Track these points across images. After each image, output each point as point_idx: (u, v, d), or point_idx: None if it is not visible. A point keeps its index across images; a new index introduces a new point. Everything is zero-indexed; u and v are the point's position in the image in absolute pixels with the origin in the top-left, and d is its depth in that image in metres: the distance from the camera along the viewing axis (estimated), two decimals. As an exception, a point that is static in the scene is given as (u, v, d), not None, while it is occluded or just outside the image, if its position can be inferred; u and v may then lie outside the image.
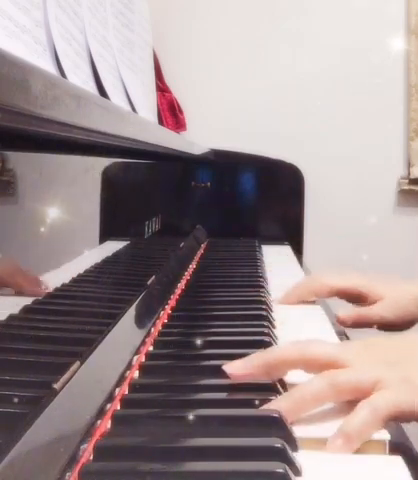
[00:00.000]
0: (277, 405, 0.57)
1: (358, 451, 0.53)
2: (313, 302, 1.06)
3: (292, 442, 0.52)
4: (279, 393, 0.61)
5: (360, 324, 1.00)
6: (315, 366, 0.62)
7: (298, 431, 0.54)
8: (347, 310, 1.02)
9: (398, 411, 0.56)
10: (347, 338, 0.92)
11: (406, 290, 1.03)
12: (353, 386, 0.59)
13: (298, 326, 0.92)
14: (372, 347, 0.66)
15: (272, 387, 0.62)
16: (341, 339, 0.87)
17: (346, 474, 0.49)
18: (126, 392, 0.62)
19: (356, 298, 1.04)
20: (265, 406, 0.58)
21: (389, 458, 0.52)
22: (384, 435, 0.55)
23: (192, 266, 1.36)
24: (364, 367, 0.61)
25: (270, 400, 0.58)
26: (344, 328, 0.98)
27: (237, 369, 0.62)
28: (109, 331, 0.73)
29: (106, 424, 0.55)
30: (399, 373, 0.60)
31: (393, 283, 1.06)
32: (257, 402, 0.58)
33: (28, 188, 0.59)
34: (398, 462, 0.50)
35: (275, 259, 1.59)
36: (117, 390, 0.63)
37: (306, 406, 0.58)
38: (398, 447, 0.54)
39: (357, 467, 0.50)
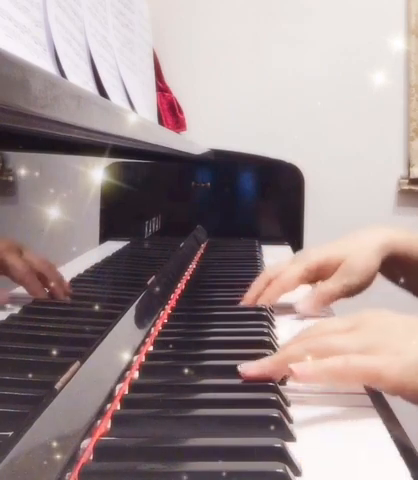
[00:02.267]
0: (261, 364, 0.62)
1: None
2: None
3: (291, 440, 0.52)
4: (277, 392, 0.61)
5: (326, 302, 0.97)
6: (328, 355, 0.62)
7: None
8: (304, 294, 0.98)
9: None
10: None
11: (365, 246, 0.98)
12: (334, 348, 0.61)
13: (298, 325, 0.92)
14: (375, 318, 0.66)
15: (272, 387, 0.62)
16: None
17: (347, 473, 0.49)
18: (126, 392, 0.62)
19: (320, 274, 1.00)
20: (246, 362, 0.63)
21: (390, 457, 0.52)
22: None
23: (192, 266, 1.36)
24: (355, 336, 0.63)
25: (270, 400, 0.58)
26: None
27: (251, 368, 0.63)
28: (109, 331, 0.73)
29: (106, 424, 0.55)
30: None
31: (349, 240, 1.01)
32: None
33: (28, 188, 0.59)
34: (399, 462, 0.50)
35: (275, 259, 1.58)
36: (117, 390, 0.63)
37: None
38: (401, 450, 0.53)
39: (358, 465, 0.50)
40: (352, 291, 0.98)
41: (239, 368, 0.64)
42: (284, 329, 0.88)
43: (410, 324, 0.65)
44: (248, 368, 0.63)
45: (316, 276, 1.00)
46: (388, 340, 0.62)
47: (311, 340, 0.65)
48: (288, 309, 1.02)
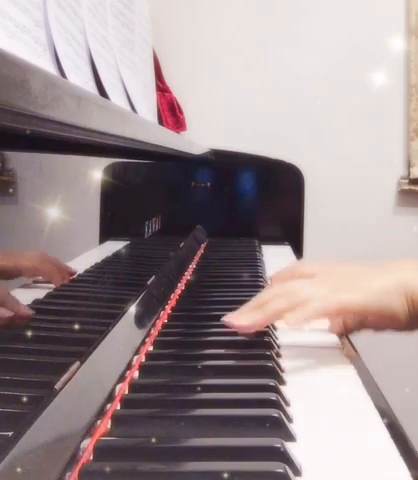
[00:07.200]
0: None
1: None
2: None
3: (291, 440, 0.52)
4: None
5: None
6: None
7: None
8: None
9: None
10: (349, 341, 0.92)
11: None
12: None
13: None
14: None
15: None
16: (340, 339, 0.87)
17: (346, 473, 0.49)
18: (126, 392, 0.62)
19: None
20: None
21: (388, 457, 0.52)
22: None
23: (192, 266, 1.36)
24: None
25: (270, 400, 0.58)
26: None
27: (235, 319, 0.77)
28: (109, 331, 0.73)
29: (106, 424, 0.55)
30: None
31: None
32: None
33: (28, 188, 0.59)
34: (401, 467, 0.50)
35: (275, 259, 1.59)
36: (117, 390, 0.63)
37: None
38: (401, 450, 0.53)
39: (359, 469, 0.50)
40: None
41: (225, 318, 0.76)
42: (284, 329, 0.88)
43: (369, 270, 0.78)
44: (232, 319, 0.76)
45: None
46: (351, 281, 0.76)
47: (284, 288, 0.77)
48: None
